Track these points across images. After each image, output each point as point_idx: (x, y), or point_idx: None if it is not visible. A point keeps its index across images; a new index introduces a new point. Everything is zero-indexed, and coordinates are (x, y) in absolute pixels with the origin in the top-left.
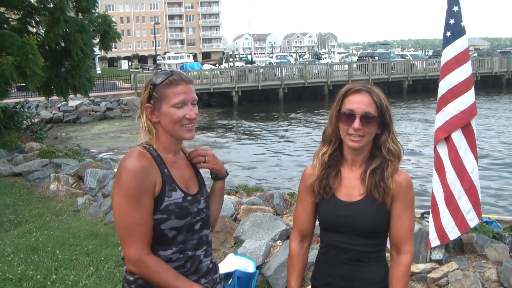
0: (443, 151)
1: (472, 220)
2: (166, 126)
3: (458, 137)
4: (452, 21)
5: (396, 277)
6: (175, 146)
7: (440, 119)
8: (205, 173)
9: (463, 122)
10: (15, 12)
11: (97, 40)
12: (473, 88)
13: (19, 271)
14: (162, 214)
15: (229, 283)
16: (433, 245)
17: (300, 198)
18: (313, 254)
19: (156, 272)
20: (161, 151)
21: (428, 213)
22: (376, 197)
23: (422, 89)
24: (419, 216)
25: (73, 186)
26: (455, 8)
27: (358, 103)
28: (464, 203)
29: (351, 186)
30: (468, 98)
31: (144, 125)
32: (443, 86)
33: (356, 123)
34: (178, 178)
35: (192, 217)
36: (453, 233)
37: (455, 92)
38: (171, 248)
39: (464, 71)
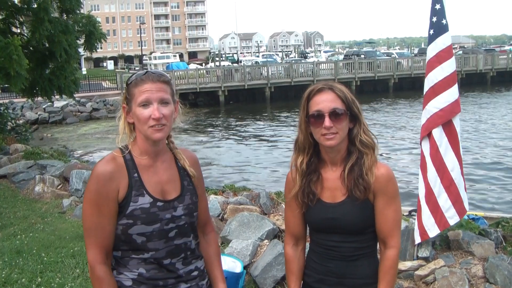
0: (425, 148)
1: (452, 218)
2: (137, 126)
3: (438, 134)
4: (434, 19)
5: (383, 270)
6: (151, 147)
7: (423, 117)
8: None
9: (442, 120)
10: None
11: (82, 41)
12: (455, 86)
13: (3, 275)
14: (128, 219)
15: None
16: (416, 242)
17: (288, 204)
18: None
19: (97, 285)
20: (137, 153)
21: (416, 210)
22: (358, 196)
23: (408, 87)
24: (407, 214)
25: (59, 187)
26: (437, 6)
27: (323, 101)
28: (443, 200)
29: (333, 187)
30: (448, 96)
31: (122, 127)
32: (426, 84)
33: (327, 121)
34: (151, 182)
35: (163, 223)
36: (433, 230)
37: (435, 90)
38: (143, 254)
39: (445, 69)
